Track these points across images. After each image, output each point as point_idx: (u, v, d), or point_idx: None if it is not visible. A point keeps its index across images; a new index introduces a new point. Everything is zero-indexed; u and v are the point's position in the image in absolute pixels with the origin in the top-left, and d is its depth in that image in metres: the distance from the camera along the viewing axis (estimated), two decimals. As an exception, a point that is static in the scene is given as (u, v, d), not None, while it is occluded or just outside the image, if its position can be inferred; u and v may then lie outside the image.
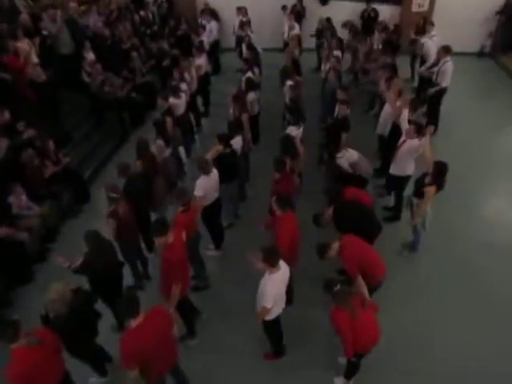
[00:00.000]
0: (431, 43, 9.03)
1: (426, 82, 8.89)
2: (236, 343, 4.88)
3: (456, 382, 4.42)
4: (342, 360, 4.37)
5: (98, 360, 4.41)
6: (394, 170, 6.03)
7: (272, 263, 3.79)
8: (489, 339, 4.80)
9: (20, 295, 5.49)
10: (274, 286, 3.83)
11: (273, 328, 4.39)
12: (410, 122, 5.97)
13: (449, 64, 7.87)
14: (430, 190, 5.09)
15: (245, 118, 6.60)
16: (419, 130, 5.61)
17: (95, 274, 4.36)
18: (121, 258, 4.98)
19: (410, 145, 5.68)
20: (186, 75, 8.09)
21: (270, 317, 4.14)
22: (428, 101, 8.77)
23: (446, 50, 7.95)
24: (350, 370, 4.21)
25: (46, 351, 3.36)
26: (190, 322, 4.76)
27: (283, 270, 3.93)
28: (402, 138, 5.85)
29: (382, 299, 4.28)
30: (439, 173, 5.05)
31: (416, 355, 4.66)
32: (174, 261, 4.06)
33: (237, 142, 6.19)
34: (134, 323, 3.27)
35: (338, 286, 3.64)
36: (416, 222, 5.46)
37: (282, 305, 4.23)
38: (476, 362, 4.55)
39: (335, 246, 4.29)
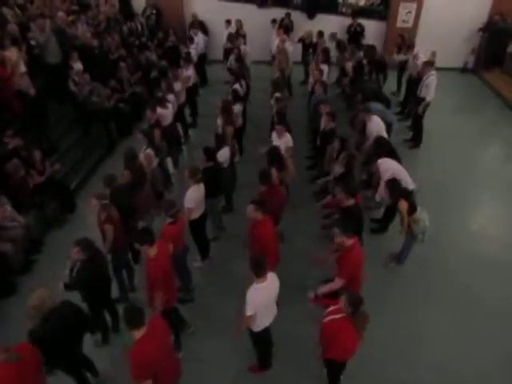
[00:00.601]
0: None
1: (412, 96, 9.08)
2: (221, 355, 4.84)
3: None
4: (325, 372, 4.37)
5: (82, 374, 4.32)
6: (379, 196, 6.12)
7: (257, 273, 3.80)
8: (475, 349, 4.87)
9: (2, 308, 5.37)
10: (257, 295, 3.82)
11: (260, 340, 4.36)
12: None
13: (433, 78, 8.06)
14: (401, 206, 5.26)
15: (229, 130, 6.61)
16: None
17: (87, 284, 4.30)
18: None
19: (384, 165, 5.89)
20: (174, 86, 8.13)
21: (257, 328, 4.13)
22: (412, 115, 8.97)
23: (429, 64, 8.16)
24: (333, 381, 4.24)
25: (23, 368, 3.27)
26: (175, 335, 4.71)
27: (270, 282, 3.92)
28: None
29: (369, 309, 4.29)
30: (392, 189, 5.32)
31: (404, 364, 4.70)
32: (158, 274, 4.04)
33: (223, 154, 6.21)
34: (138, 334, 3.23)
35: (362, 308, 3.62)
36: (418, 237, 5.50)
37: (271, 318, 4.21)
38: (460, 372, 4.62)
39: (350, 241, 4.24)
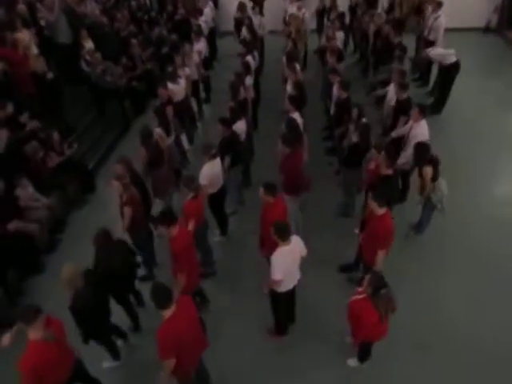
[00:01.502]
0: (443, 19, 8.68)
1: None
2: (243, 325, 4.95)
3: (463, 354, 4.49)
4: (352, 362, 4.48)
5: (113, 342, 4.51)
6: (403, 159, 5.84)
7: (281, 237, 3.87)
8: (498, 314, 4.86)
9: (32, 286, 5.58)
10: (282, 258, 3.90)
11: (277, 301, 4.45)
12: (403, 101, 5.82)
13: (441, 19, 7.69)
14: (426, 172, 5.08)
15: (230, 104, 6.42)
16: (423, 111, 5.60)
17: (107, 275, 4.29)
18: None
19: (416, 129, 5.62)
20: (188, 61, 8.00)
21: (280, 289, 4.21)
22: (439, 77, 8.59)
23: (437, 4, 7.76)
24: (364, 354, 4.32)
25: (60, 347, 3.41)
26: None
27: (293, 246, 3.97)
28: (409, 124, 5.77)
29: (388, 278, 4.31)
30: (421, 153, 5.08)
31: (423, 331, 4.74)
32: (178, 251, 4.09)
33: (239, 127, 6.13)
34: (167, 314, 3.28)
35: (385, 290, 3.57)
36: (437, 206, 5.40)
37: (294, 281, 4.30)
38: (485, 338, 4.63)
39: (382, 210, 4.21)
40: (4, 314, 4.84)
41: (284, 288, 4.22)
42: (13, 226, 5.42)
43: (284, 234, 3.88)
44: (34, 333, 3.25)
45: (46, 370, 3.27)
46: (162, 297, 3.26)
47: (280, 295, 4.30)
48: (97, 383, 4.15)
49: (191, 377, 3.82)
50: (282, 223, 3.96)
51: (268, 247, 4.20)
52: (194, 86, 8.28)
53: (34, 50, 7.34)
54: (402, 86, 6.21)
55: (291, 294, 4.45)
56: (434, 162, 5.11)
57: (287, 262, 3.97)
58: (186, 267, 4.20)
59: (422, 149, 5.11)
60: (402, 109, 6.20)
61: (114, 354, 4.55)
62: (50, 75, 7.24)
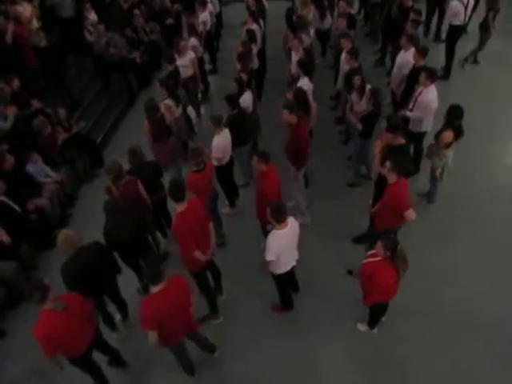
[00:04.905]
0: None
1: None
2: (251, 296, 5.02)
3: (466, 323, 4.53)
4: (362, 327, 4.56)
5: (108, 312, 4.59)
6: (412, 126, 5.73)
7: (277, 219, 3.83)
8: (504, 279, 4.88)
9: (46, 260, 5.70)
10: (276, 240, 3.87)
11: (280, 282, 4.51)
12: (420, 68, 5.67)
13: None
14: (445, 134, 4.94)
15: (244, 77, 6.21)
16: (432, 75, 5.39)
17: (114, 242, 4.39)
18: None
19: (426, 95, 5.43)
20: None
21: (279, 271, 4.25)
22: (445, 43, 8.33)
23: None
24: (374, 320, 4.42)
25: (70, 316, 3.46)
26: (212, 301, 4.71)
27: (290, 228, 3.94)
28: (419, 89, 5.57)
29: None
30: (453, 116, 4.90)
31: (434, 298, 4.78)
32: (182, 232, 3.96)
33: (246, 99, 6.00)
34: (154, 289, 3.37)
35: (399, 248, 3.66)
36: (436, 172, 5.35)
37: (292, 262, 4.32)
38: (493, 307, 4.65)
39: (392, 176, 4.20)
40: (20, 286, 5.02)
41: (283, 269, 4.25)
42: (32, 205, 5.55)
43: (280, 217, 3.82)
44: (44, 304, 3.36)
45: (59, 338, 3.37)
46: (152, 274, 3.36)
47: (280, 276, 4.35)
48: (114, 352, 4.28)
49: (181, 347, 3.98)
50: (279, 204, 3.89)
51: (263, 214, 4.14)
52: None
53: (35, 24, 7.23)
54: (422, 52, 5.91)
55: (291, 273, 4.49)
56: (458, 131, 4.97)
57: (282, 245, 3.94)
58: (192, 247, 4.05)
59: (455, 110, 4.91)
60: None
61: (110, 325, 4.61)
62: (43, 42, 7.10)
